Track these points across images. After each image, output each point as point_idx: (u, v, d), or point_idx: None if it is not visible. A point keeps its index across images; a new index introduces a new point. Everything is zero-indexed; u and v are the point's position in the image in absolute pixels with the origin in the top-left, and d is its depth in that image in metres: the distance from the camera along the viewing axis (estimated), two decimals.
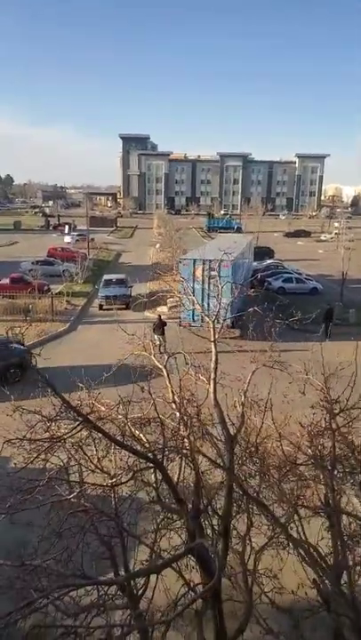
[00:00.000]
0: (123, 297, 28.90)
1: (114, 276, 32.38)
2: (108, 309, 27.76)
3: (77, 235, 57.20)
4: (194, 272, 23.45)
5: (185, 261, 24.68)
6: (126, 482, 5.55)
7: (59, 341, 23.18)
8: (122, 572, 5.60)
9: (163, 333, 20.96)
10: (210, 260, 22.80)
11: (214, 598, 5.72)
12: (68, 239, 56.66)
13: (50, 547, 5.11)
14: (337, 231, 68.48)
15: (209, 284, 20.66)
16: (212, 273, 21.71)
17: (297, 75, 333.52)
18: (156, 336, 19.71)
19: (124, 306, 28.25)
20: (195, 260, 23.99)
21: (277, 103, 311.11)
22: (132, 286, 30.50)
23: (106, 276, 32.52)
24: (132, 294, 29.15)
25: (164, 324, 21.86)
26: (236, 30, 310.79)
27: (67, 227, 69.12)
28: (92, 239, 56.11)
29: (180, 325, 22.85)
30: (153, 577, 5.65)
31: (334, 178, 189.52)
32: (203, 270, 23.12)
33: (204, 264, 23.17)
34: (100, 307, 28.99)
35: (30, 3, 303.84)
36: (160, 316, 23.34)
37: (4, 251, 50.84)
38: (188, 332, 19.63)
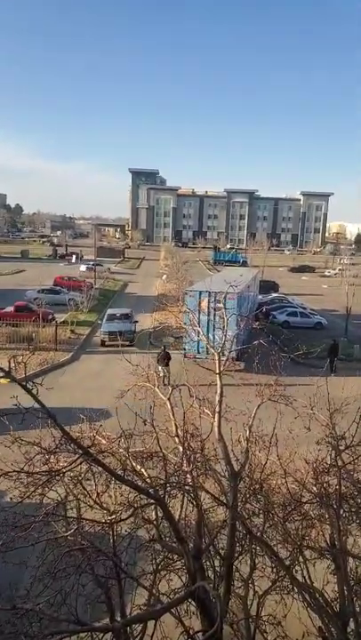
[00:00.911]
0: (127, 333, 27.17)
1: (118, 311, 30.91)
2: (110, 346, 26.41)
3: (92, 264, 57.95)
4: (200, 304, 23.48)
5: (191, 293, 24.74)
6: (126, 519, 5.34)
7: (61, 371, 23.02)
8: (118, 618, 5.32)
9: (167, 365, 20.79)
10: (216, 292, 22.91)
11: None
12: (83, 268, 57.17)
13: (43, 588, 4.87)
14: (341, 267, 69.10)
15: (214, 315, 20.69)
16: (218, 305, 21.76)
17: (305, 112, 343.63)
18: (160, 367, 19.54)
19: (127, 342, 26.61)
20: (200, 292, 24.09)
21: (285, 141, 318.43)
22: (137, 321, 29.38)
23: (110, 310, 31.26)
24: (137, 329, 28.13)
25: (169, 355, 21.73)
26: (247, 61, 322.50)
27: (74, 256, 70.29)
28: (109, 269, 56.57)
29: (184, 357, 22.74)
30: (150, 623, 5.37)
31: (338, 215, 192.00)
32: (208, 302, 23.20)
33: (209, 296, 23.27)
34: (103, 343, 27.34)
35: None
36: (164, 347, 23.24)
37: (10, 279, 51.29)
38: (192, 363, 19.56)
